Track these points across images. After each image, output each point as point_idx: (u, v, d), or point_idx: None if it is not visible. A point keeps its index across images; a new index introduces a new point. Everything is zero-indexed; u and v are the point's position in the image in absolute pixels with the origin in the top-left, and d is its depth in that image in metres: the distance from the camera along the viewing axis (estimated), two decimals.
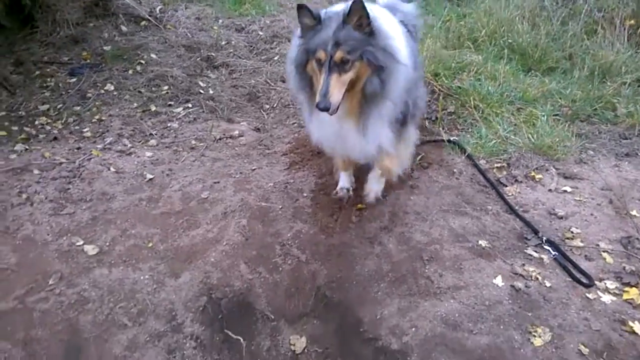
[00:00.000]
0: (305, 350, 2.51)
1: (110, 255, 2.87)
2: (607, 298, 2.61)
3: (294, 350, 2.50)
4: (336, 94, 2.40)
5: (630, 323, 2.45)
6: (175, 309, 2.69)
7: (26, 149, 3.80)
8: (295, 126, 4.21)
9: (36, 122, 4.18)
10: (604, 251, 2.92)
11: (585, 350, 2.32)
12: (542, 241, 2.95)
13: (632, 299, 2.60)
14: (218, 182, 3.40)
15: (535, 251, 2.90)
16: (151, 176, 3.48)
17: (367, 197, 3.25)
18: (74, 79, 4.77)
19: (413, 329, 2.51)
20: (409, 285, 2.72)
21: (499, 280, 2.68)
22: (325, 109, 2.38)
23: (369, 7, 2.43)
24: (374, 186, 3.25)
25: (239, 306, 2.71)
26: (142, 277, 2.77)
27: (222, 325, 2.62)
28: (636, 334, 2.41)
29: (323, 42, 2.39)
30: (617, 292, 2.66)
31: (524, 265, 2.80)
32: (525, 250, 2.91)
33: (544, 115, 4.17)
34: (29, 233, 2.95)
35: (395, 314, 2.59)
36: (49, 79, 4.78)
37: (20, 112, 4.32)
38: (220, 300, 2.71)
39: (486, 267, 2.78)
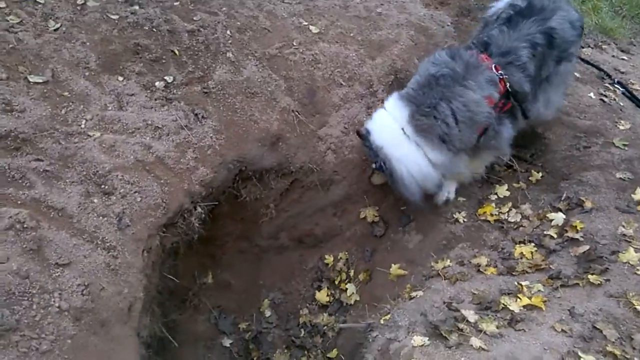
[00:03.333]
0: None
1: (327, 35, 3.83)
2: None
3: None
4: None
5: None
6: (372, 81, 3.77)
7: None
8: None
9: None
10: None
11: None
12: (614, 82, 4.18)
13: None
14: (382, 5, 4.39)
15: (610, 87, 4.16)
16: None
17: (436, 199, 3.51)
18: None
19: None
20: None
21: (592, 95, 3.93)
22: None
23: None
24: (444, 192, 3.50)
25: None
26: (350, 54, 3.79)
27: None
28: None
29: None
30: None
31: (605, 91, 4.04)
32: (604, 84, 4.16)
33: (605, 7, 5.36)
34: (270, 9, 3.81)
35: None
36: None
37: None
38: (403, 80, 3.83)
39: (582, 87, 4.01)
